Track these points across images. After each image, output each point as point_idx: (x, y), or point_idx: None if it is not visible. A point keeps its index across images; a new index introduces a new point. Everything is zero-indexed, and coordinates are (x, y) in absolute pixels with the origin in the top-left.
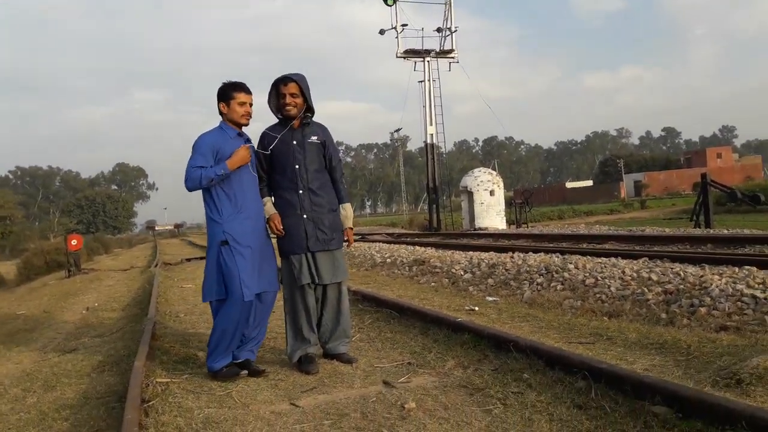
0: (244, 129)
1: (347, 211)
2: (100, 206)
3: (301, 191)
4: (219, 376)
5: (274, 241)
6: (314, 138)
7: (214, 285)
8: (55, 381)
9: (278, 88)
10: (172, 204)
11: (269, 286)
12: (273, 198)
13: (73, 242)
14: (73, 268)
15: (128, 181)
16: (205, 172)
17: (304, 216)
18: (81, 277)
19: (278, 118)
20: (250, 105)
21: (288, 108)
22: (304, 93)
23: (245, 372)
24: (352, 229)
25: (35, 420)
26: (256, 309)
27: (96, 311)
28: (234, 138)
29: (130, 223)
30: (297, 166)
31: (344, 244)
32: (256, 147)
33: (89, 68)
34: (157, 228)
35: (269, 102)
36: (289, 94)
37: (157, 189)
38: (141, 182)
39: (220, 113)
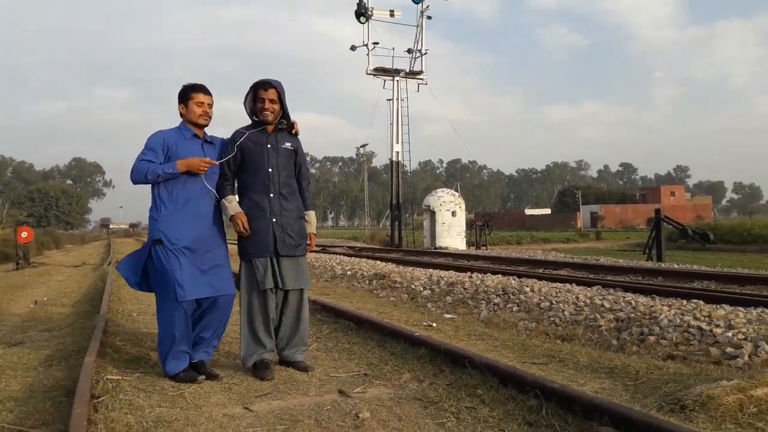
0: (210, 132)
1: (311, 218)
2: (53, 200)
3: (272, 195)
4: (176, 380)
5: (231, 246)
6: (288, 144)
7: (135, 275)
8: (0, 373)
9: (257, 92)
10: (129, 203)
11: (222, 290)
12: (238, 199)
13: (23, 234)
14: (21, 261)
15: (84, 177)
16: (153, 167)
17: (273, 220)
18: (30, 270)
19: (252, 120)
20: (209, 106)
21: (266, 113)
22: (281, 100)
23: (203, 377)
24: (315, 235)
25: None
26: (209, 312)
27: (45, 305)
28: (190, 139)
29: (83, 219)
30: (270, 170)
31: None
32: (228, 147)
33: (50, 61)
34: (111, 226)
35: (245, 103)
36: (269, 99)
37: (113, 187)
38: (97, 179)
39: (180, 114)
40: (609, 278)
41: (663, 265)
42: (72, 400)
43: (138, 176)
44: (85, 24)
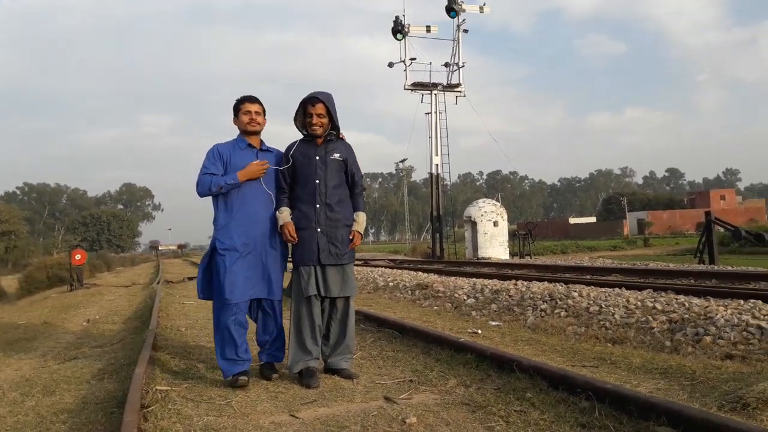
0: (268, 143)
1: (359, 218)
2: (104, 224)
3: (318, 205)
4: (228, 384)
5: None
6: (337, 155)
7: (200, 284)
8: (54, 386)
9: (305, 108)
10: (177, 225)
11: (269, 294)
12: (291, 210)
13: (77, 257)
14: (75, 283)
15: (134, 201)
16: (216, 180)
17: (318, 230)
18: (83, 291)
19: (303, 134)
20: (257, 113)
21: (314, 128)
22: (330, 112)
23: (245, 378)
24: (360, 234)
25: (33, 423)
26: (264, 316)
27: (97, 323)
28: (244, 149)
29: (133, 242)
30: (317, 182)
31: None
32: (282, 161)
33: (101, 89)
34: (160, 248)
35: (295, 119)
36: (316, 114)
37: (162, 210)
38: (147, 202)
39: (238, 127)
40: (660, 282)
41: (716, 267)
42: (123, 410)
43: (203, 188)
44: (132, 53)
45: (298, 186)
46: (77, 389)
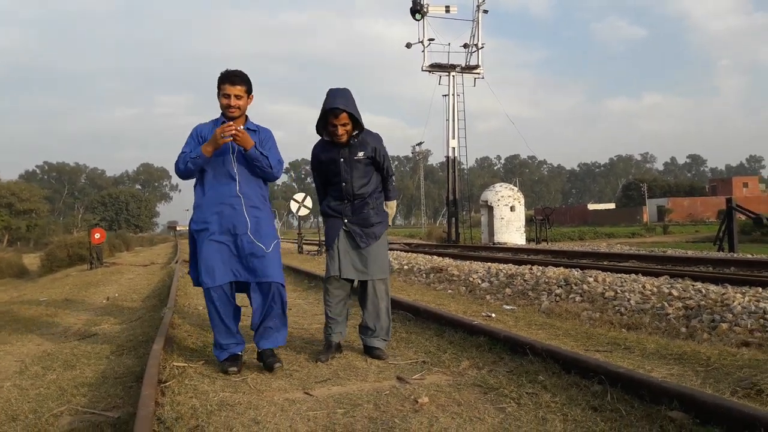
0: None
1: (390, 206)
2: (123, 204)
3: (346, 201)
4: (221, 371)
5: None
6: (361, 154)
7: (192, 272)
8: (75, 361)
9: (327, 119)
10: None
11: (254, 277)
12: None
13: (97, 236)
14: (95, 261)
15: (152, 182)
16: (184, 156)
17: (345, 221)
18: (102, 269)
19: (325, 139)
20: (237, 97)
21: (339, 137)
22: (353, 117)
23: (234, 369)
24: (388, 223)
25: (54, 395)
26: (252, 299)
27: (116, 301)
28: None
29: (152, 222)
30: (344, 184)
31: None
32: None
33: (116, 69)
34: (178, 228)
35: (318, 127)
36: (341, 125)
37: (180, 191)
38: (164, 183)
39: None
40: (677, 268)
41: (735, 255)
42: (141, 385)
43: (177, 168)
44: (148, 33)
45: (330, 184)
46: (97, 364)
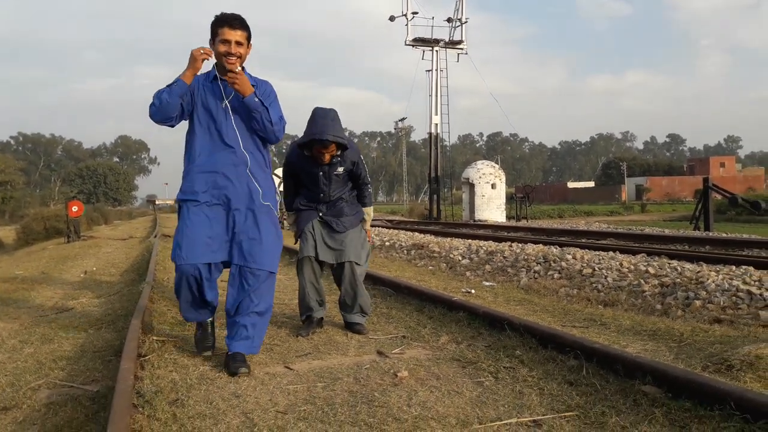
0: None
1: (367, 214)
2: (101, 177)
3: (321, 204)
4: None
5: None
6: (341, 169)
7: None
8: (53, 335)
9: (314, 148)
10: (174, 180)
11: (237, 259)
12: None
13: (74, 208)
14: (72, 234)
15: (130, 154)
16: (158, 91)
17: (320, 214)
18: (80, 243)
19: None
20: (238, 44)
21: (323, 160)
22: (340, 144)
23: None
24: (368, 231)
25: (32, 368)
26: (233, 284)
27: (94, 275)
28: (212, 81)
29: (130, 196)
30: (321, 195)
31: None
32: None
33: (93, 40)
34: (157, 202)
35: (302, 146)
36: (330, 153)
37: (158, 164)
38: (143, 156)
39: (213, 54)
40: (654, 247)
41: (711, 234)
42: (120, 358)
43: (151, 109)
44: (130, 1)
45: (302, 187)
46: (75, 338)
